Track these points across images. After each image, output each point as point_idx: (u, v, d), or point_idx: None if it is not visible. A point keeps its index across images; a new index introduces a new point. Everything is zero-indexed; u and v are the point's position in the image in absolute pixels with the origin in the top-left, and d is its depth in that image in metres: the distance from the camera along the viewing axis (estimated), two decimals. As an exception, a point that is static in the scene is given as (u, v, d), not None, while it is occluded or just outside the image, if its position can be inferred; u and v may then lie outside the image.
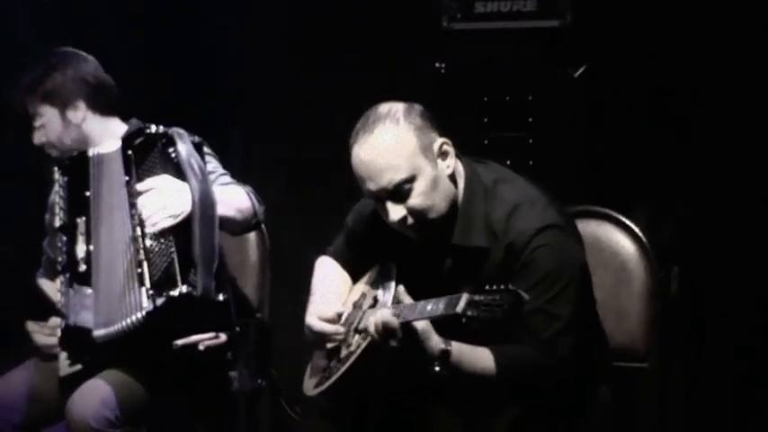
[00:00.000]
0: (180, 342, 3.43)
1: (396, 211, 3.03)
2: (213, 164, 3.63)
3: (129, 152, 3.50)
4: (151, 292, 3.37)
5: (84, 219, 3.56)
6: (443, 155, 3.08)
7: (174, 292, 3.34)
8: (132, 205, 3.46)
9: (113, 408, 3.38)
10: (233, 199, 3.52)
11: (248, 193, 3.57)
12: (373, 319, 2.96)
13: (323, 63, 4.87)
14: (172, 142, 3.44)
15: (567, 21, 4.38)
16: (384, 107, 3.08)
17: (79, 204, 3.58)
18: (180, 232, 3.40)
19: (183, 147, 3.43)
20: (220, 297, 3.39)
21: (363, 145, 3.04)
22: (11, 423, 3.57)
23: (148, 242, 3.42)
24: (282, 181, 4.94)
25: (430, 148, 3.05)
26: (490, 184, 3.12)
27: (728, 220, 4.34)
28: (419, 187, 3.02)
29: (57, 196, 3.64)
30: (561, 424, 3.08)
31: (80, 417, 3.37)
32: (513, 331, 2.96)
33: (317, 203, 4.84)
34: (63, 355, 3.58)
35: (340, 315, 3.21)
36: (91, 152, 3.60)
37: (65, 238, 3.59)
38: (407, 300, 2.98)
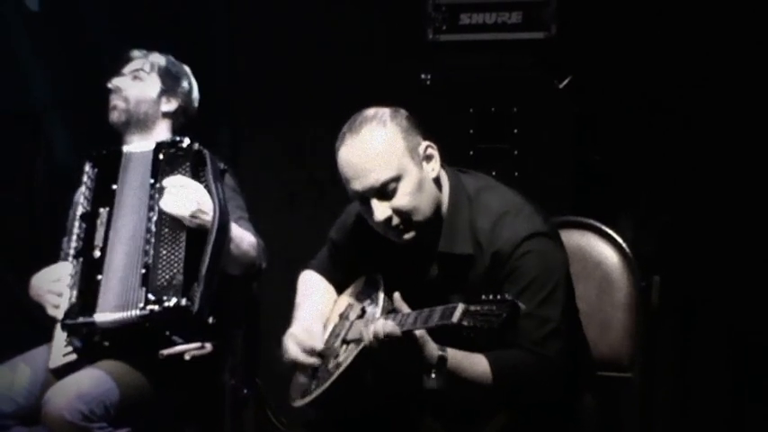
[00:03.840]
0: (165, 352, 3.45)
1: (381, 211, 3.04)
2: (237, 201, 3.75)
3: (161, 156, 3.63)
4: (151, 297, 3.45)
5: (107, 209, 3.64)
6: (428, 158, 3.10)
7: (171, 303, 3.43)
8: (151, 207, 3.56)
9: (88, 402, 3.40)
10: (242, 240, 3.62)
11: (258, 243, 3.68)
12: (372, 328, 2.92)
13: (308, 74, 4.88)
14: (203, 162, 3.59)
15: (552, 32, 4.39)
16: (370, 111, 3.10)
17: (104, 196, 3.67)
18: (192, 244, 3.50)
19: (211, 170, 3.58)
20: (210, 320, 3.51)
21: (350, 145, 3.05)
22: (3, 413, 3.56)
23: (161, 246, 3.51)
24: (272, 189, 4.95)
25: (416, 150, 3.07)
26: (474, 192, 3.14)
27: (710, 229, 4.35)
28: (405, 187, 3.03)
29: (84, 187, 3.71)
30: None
31: (55, 409, 3.39)
32: (503, 337, 2.95)
33: (308, 212, 4.85)
34: (55, 346, 3.60)
35: (316, 351, 3.18)
36: (125, 149, 3.73)
37: (84, 226, 3.65)
38: (405, 308, 2.95)
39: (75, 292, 3.57)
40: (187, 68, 3.96)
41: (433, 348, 2.90)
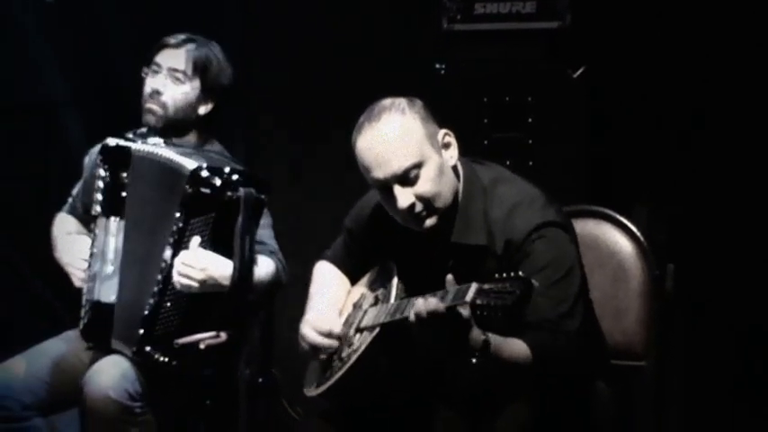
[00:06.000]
0: (181, 341, 3.44)
1: (404, 198, 3.03)
2: (268, 230, 3.62)
3: (191, 195, 3.38)
4: (145, 346, 3.41)
5: (117, 220, 3.52)
6: (446, 145, 3.11)
7: (161, 359, 3.41)
8: (170, 245, 3.40)
9: (132, 381, 3.40)
10: (262, 280, 3.49)
11: (277, 269, 3.58)
12: (416, 307, 2.85)
13: (323, 64, 4.89)
14: (234, 211, 3.29)
15: (567, 22, 4.39)
16: (387, 100, 3.11)
17: (115, 204, 3.52)
18: (200, 304, 3.42)
19: (243, 218, 3.28)
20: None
21: (370, 133, 3.05)
22: (21, 402, 3.53)
23: (167, 297, 3.42)
24: (284, 180, 4.96)
25: (434, 137, 3.09)
26: (488, 183, 3.14)
27: (724, 217, 4.35)
28: (427, 173, 3.04)
29: (100, 181, 3.54)
30: (562, 423, 3.09)
31: (99, 388, 3.37)
32: (516, 314, 2.93)
33: (320, 202, 4.86)
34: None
35: (334, 333, 3.19)
36: (135, 147, 3.53)
37: (97, 231, 3.54)
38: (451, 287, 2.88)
39: (88, 313, 3.54)
40: (225, 59, 3.72)
41: (477, 332, 2.87)
